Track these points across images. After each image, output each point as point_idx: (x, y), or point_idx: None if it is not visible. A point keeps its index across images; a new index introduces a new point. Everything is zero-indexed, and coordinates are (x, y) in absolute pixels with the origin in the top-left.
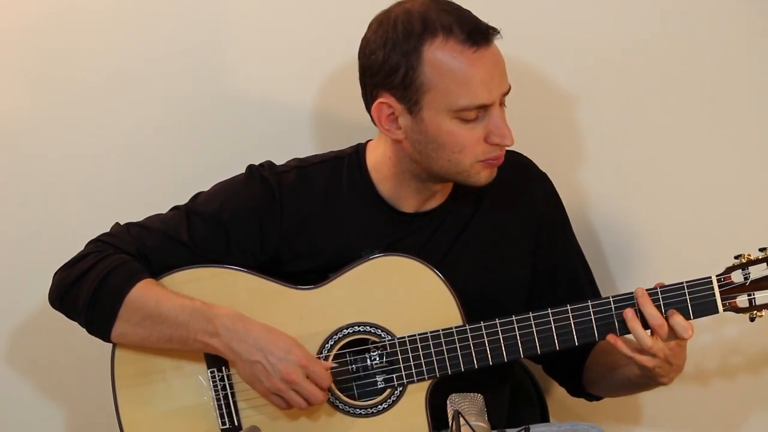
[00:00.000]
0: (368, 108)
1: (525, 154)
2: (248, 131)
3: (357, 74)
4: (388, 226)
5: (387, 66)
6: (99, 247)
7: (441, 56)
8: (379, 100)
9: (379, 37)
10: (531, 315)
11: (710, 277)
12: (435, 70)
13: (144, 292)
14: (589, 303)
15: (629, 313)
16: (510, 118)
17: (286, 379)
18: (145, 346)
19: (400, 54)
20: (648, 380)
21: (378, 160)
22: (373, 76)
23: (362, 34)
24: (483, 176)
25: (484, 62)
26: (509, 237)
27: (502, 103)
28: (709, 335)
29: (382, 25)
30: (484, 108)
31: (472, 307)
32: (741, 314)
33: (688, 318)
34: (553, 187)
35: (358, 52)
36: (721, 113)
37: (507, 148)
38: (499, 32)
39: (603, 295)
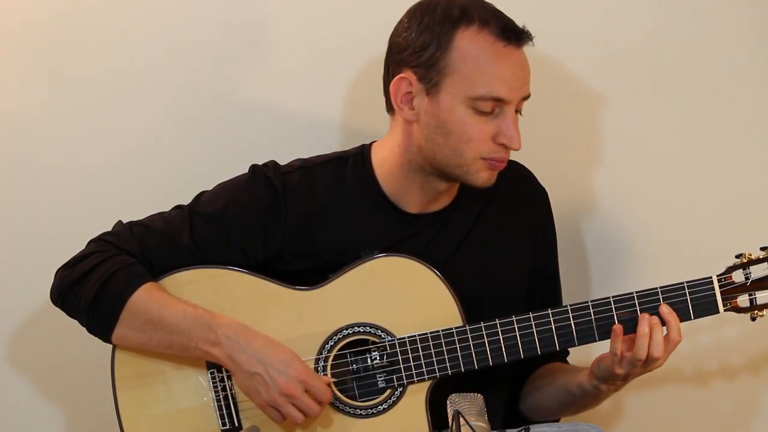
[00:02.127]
0: (386, 89)
1: (528, 149)
2: (252, 131)
3: (364, 76)
4: (391, 227)
5: (417, 43)
6: (102, 246)
7: (471, 44)
8: (400, 75)
9: (415, 19)
10: (531, 315)
11: (711, 277)
12: (462, 55)
13: (146, 297)
14: (589, 303)
15: (646, 320)
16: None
17: (284, 393)
18: (145, 350)
19: (432, 35)
20: (589, 394)
21: (384, 155)
22: (400, 53)
23: (370, 37)
24: (482, 177)
25: (511, 60)
26: (511, 242)
27: (518, 110)
28: (709, 336)
29: (420, 7)
30: (500, 103)
31: (473, 311)
32: (742, 314)
33: (688, 318)
34: (550, 202)
35: (391, 32)
36: (721, 112)
37: (512, 160)
38: (532, 38)
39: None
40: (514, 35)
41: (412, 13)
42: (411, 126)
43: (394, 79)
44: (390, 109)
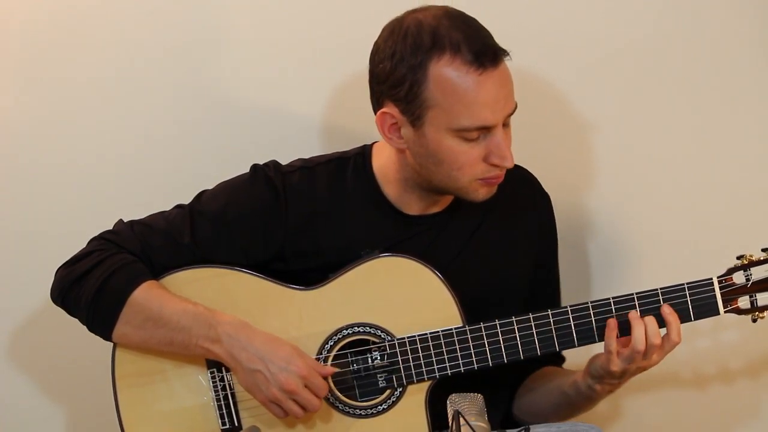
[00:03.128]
0: (375, 112)
1: (527, 150)
2: (253, 130)
3: (363, 77)
4: (392, 228)
5: (393, 77)
6: (102, 245)
7: (447, 74)
8: (384, 109)
9: (388, 47)
10: (531, 316)
11: (711, 279)
12: (439, 87)
13: (147, 295)
14: (589, 303)
15: (634, 313)
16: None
17: (285, 389)
18: (146, 348)
19: (407, 67)
20: (583, 395)
21: (384, 162)
22: (380, 84)
23: (369, 37)
24: (481, 193)
25: (489, 84)
26: (513, 244)
27: (506, 124)
28: (708, 338)
29: (393, 33)
30: (485, 129)
31: (474, 312)
32: (742, 316)
33: (688, 320)
34: (552, 207)
35: (369, 55)
36: (722, 112)
37: (516, 164)
38: (508, 54)
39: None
40: (487, 58)
41: (386, 39)
42: (404, 152)
43: (378, 114)
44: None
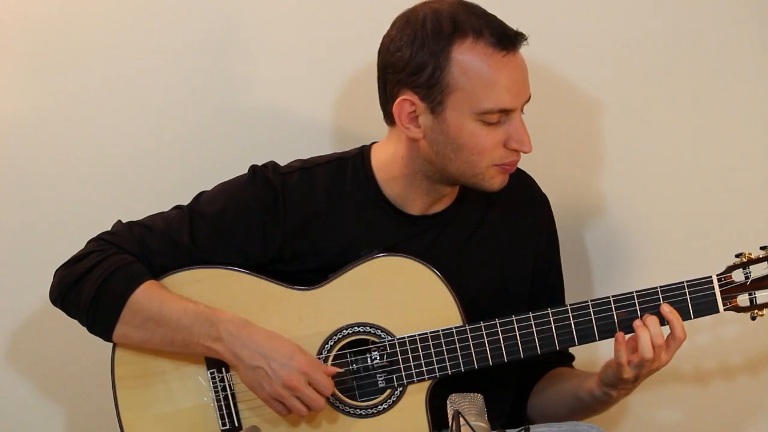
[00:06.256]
0: (384, 105)
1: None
2: (252, 131)
3: (363, 78)
4: (391, 228)
5: (413, 64)
6: (101, 246)
7: (470, 58)
8: (402, 97)
9: (406, 35)
10: (531, 315)
11: (710, 277)
12: (462, 71)
13: (147, 295)
14: (589, 302)
15: (639, 322)
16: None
17: (287, 385)
18: (146, 348)
19: (428, 53)
20: (599, 401)
21: (386, 160)
22: (397, 73)
23: (368, 38)
24: (496, 181)
25: (511, 68)
26: (513, 245)
27: (521, 111)
28: (709, 335)
29: (409, 23)
30: (506, 112)
31: (474, 312)
32: (742, 314)
33: (688, 318)
34: (551, 209)
35: (379, 48)
36: (721, 111)
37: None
38: (526, 39)
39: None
40: (509, 41)
41: (401, 29)
42: (418, 142)
43: (396, 101)
44: (390, 122)
